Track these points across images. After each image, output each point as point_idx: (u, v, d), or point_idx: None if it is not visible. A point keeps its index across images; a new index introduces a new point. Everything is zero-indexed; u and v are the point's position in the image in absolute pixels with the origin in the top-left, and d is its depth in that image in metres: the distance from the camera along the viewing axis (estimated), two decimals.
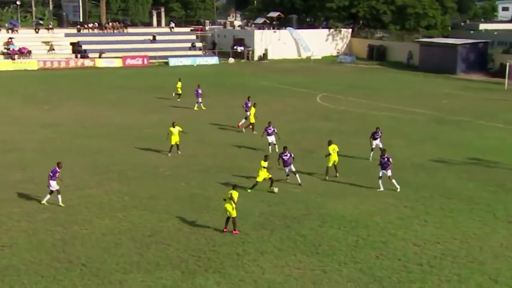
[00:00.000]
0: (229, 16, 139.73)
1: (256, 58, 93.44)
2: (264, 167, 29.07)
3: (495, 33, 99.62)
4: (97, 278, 20.29)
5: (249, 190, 28.89)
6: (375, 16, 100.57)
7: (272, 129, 36.70)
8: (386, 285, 20.00)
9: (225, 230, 24.18)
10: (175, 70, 79.07)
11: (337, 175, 31.93)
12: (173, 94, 55.89)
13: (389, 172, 29.56)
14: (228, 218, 24.22)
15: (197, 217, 25.75)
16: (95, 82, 68.64)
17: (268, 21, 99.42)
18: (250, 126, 42.19)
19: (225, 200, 24.31)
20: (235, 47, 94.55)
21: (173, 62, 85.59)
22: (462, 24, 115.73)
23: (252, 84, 64.81)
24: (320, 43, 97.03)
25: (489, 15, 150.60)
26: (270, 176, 29.29)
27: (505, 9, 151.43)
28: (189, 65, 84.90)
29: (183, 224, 25.00)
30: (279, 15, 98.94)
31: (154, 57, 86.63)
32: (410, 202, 28.00)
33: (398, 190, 29.37)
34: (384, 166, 29.58)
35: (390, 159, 29.63)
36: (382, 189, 29.57)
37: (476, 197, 28.96)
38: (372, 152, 35.41)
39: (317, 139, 40.31)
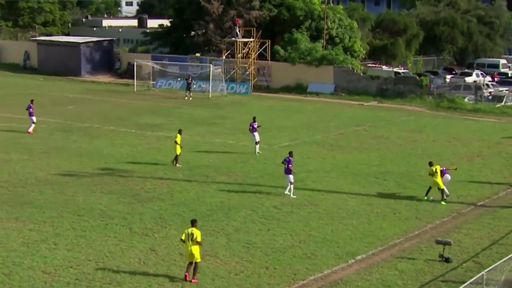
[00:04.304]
0: None
1: None
2: (436, 172, 31.71)
3: (120, 30, 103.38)
4: None
5: (442, 203, 31.47)
6: None
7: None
8: None
9: (187, 276, 22.31)
10: None
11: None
12: None
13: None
14: (191, 263, 22.40)
15: None
16: None
17: None
18: None
19: (183, 240, 22.40)
20: None
21: None
22: (84, 20, 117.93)
23: None
24: None
25: (113, 10, 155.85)
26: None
27: (129, 3, 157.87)
28: None
29: None
30: None
31: None
32: (36, 224, 27.54)
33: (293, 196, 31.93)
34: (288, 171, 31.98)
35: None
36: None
37: (110, 211, 29.53)
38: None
39: None
